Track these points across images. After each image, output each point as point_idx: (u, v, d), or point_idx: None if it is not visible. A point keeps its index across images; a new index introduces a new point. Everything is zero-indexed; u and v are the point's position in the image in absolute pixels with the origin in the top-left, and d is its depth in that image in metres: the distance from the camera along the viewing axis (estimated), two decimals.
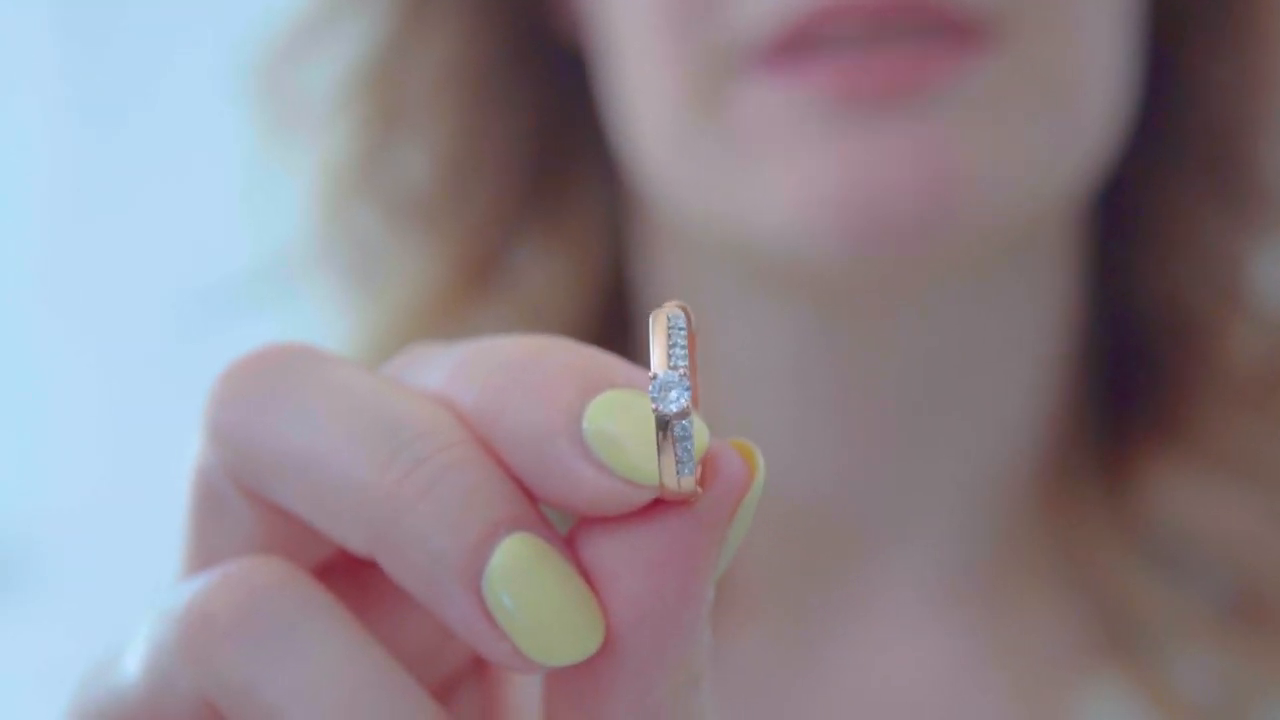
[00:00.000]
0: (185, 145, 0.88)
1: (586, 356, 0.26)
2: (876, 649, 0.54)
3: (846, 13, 0.45)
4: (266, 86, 0.58)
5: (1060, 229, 0.53)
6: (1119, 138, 0.51)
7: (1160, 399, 0.54)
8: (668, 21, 0.48)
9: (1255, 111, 0.54)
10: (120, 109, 0.97)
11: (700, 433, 0.26)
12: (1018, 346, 0.54)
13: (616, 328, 0.56)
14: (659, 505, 0.25)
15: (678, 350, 0.26)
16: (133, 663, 0.28)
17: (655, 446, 0.25)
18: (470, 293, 0.57)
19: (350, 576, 0.29)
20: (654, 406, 0.25)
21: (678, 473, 0.25)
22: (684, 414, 0.25)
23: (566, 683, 0.26)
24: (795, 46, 0.46)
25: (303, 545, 0.28)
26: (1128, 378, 0.55)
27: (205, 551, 0.29)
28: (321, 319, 0.61)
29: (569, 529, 0.26)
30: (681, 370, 0.26)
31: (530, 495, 0.26)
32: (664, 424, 0.25)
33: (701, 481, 0.25)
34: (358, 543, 0.26)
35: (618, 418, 0.25)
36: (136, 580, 0.31)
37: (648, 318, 0.26)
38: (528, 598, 0.25)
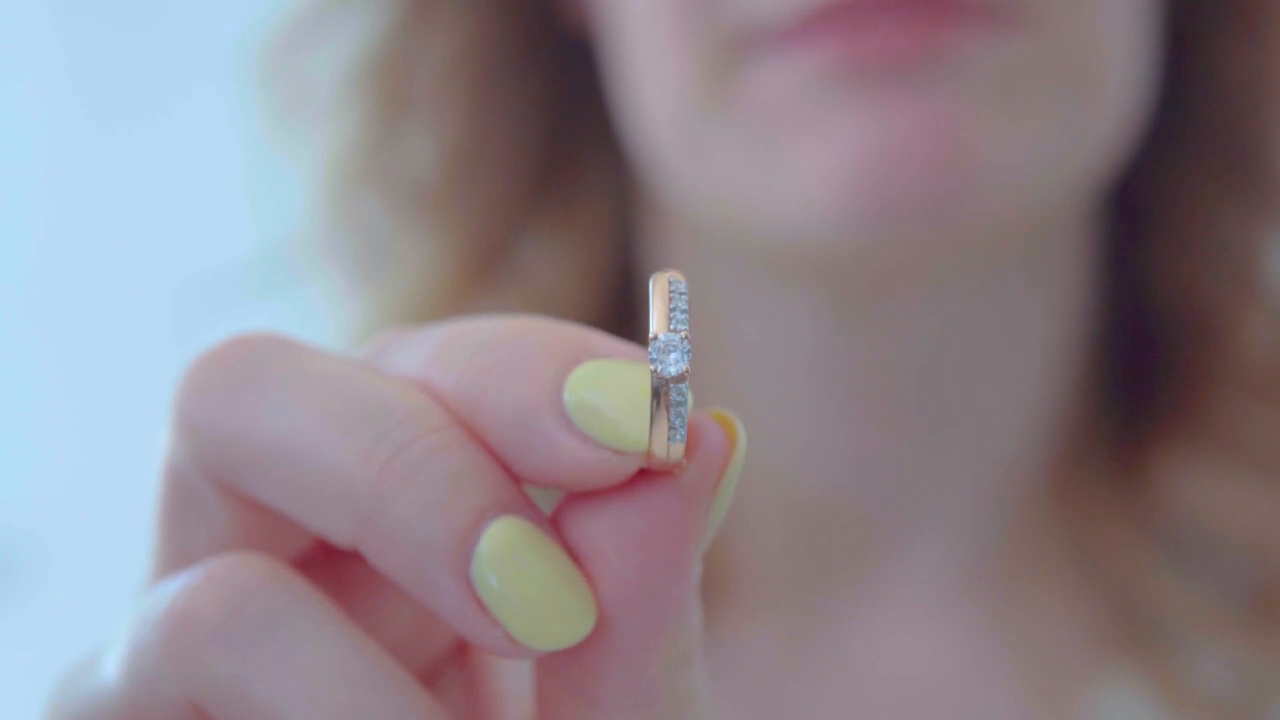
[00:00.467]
0: (188, 133, 0.87)
1: (565, 332, 0.26)
2: (888, 641, 0.53)
3: None
4: (271, 74, 0.57)
5: (1074, 221, 0.53)
6: (1136, 129, 0.50)
7: (1175, 391, 0.54)
8: (675, 8, 0.47)
9: (1271, 103, 0.54)
10: (122, 96, 0.96)
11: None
12: (1031, 338, 0.53)
13: (623, 319, 0.56)
14: (643, 480, 0.25)
15: (679, 314, 0.25)
16: (113, 666, 0.27)
17: (639, 413, 0.25)
18: (476, 284, 0.56)
19: (327, 568, 0.28)
20: (652, 368, 0.25)
21: (669, 439, 0.25)
22: (681, 378, 0.25)
23: (558, 666, 0.26)
24: (809, 21, 0.45)
25: (280, 539, 0.28)
26: (1142, 369, 0.55)
27: (179, 550, 0.28)
28: (325, 310, 0.60)
29: (551, 511, 0.26)
30: (683, 333, 0.25)
31: (515, 477, 0.25)
32: (659, 388, 0.25)
33: (684, 453, 0.25)
34: (341, 534, 0.26)
35: (599, 387, 0.25)
36: (137, 574, 0.30)
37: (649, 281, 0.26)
38: (517, 582, 0.25)
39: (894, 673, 0.53)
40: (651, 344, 0.25)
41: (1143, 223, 0.55)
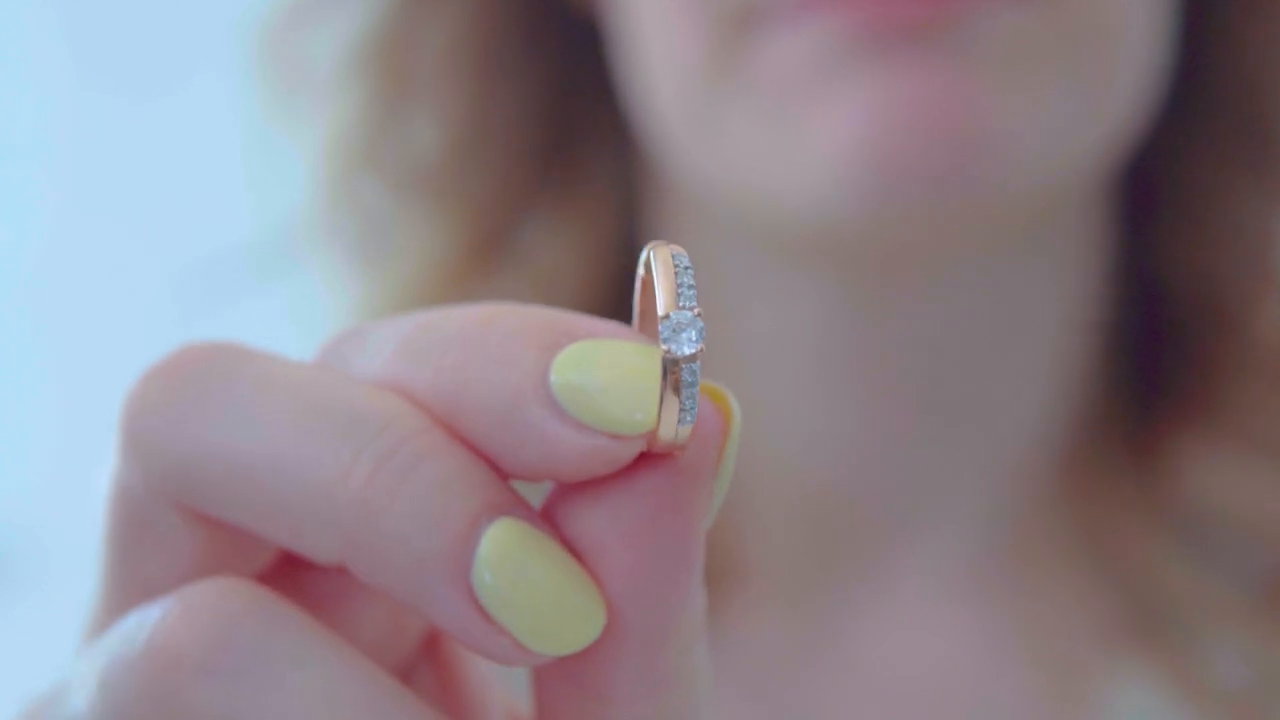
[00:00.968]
0: (186, 114, 0.87)
1: (541, 315, 0.24)
2: (897, 633, 0.53)
3: None
4: (271, 54, 0.57)
5: (1088, 201, 0.52)
6: (1151, 105, 0.49)
7: (1190, 377, 0.53)
8: None
9: None
10: (120, 77, 0.96)
11: None
12: (1043, 325, 0.53)
13: (628, 302, 0.55)
14: (640, 464, 0.24)
15: (686, 289, 0.24)
16: (83, 705, 0.25)
17: (637, 393, 0.23)
18: (479, 268, 0.56)
19: (292, 579, 0.27)
20: (665, 349, 0.23)
21: (679, 421, 0.24)
22: (694, 357, 0.24)
23: (564, 663, 0.25)
24: None
25: (244, 557, 0.26)
26: (1156, 356, 0.54)
27: (137, 581, 0.26)
28: (326, 296, 0.60)
29: (540, 507, 0.25)
30: (695, 310, 0.24)
31: (503, 475, 0.24)
32: (671, 368, 0.23)
33: None
34: (326, 553, 0.24)
35: (588, 369, 0.23)
36: None
37: (645, 255, 0.25)
38: (521, 585, 0.23)
39: (903, 665, 0.52)
40: (663, 323, 0.24)
41: (1157, 206, 0.54)
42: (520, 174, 0.56)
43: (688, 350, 0.24)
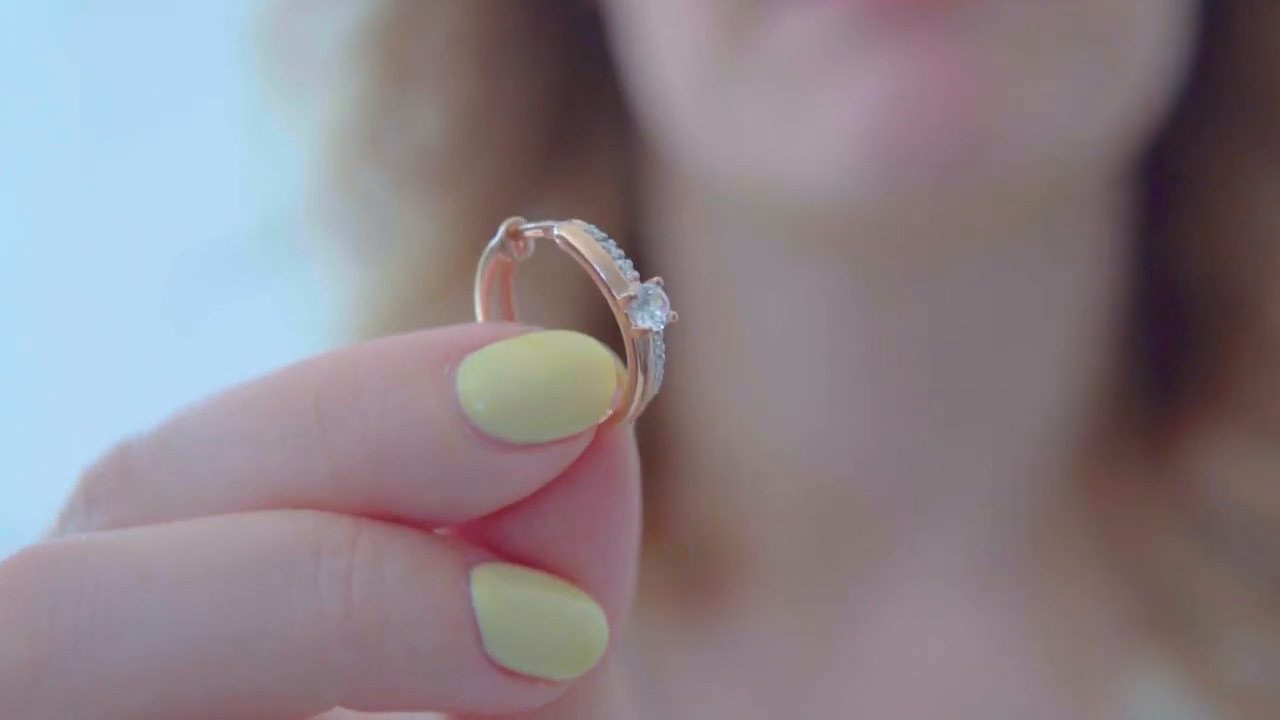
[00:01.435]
0: (185, 103, 0.86)
1: (396, 349, 0.22)
2: (909, 629, 0.52)
3: None
4: (272, 41, 0.56)
5: (1100, 190, 0.52)
6: (1166, 90, 0.49)
7: (1206, 370, 0.53)
8: None
9: None
10: (119, 66, 0.95)
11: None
12: (1056, 315, 0.52)
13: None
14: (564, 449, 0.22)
15: (622, 259, 0.23)
16: None
17: (585, 387, 0.22)
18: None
19: None
20: (636, 324, 0.23)
21: (646, 395, 0.23)
22: (660, 330, 0.23)
23: None
24: None
25: None
26: (1172, 348, 0.54)
27: None
28: (326, 288, 0.59)
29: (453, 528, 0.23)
30: (656, 279, 0.23)
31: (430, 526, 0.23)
32: (641, 345, 0.23)
33: None
34: (318, 705, 0.22)
35: (509, 385, 0.22)
36: None
37: (553, 234, 0.23)
38: (530, 626, 0.22)
39: (914, 664, 0.52)
40: (630, 302, 0.23)
41: (1172, 197, 0.54)
42: (523, 163, 0.55)
43: (663, 322, 0.23)
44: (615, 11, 0.52)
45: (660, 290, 0.23)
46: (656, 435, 0.53)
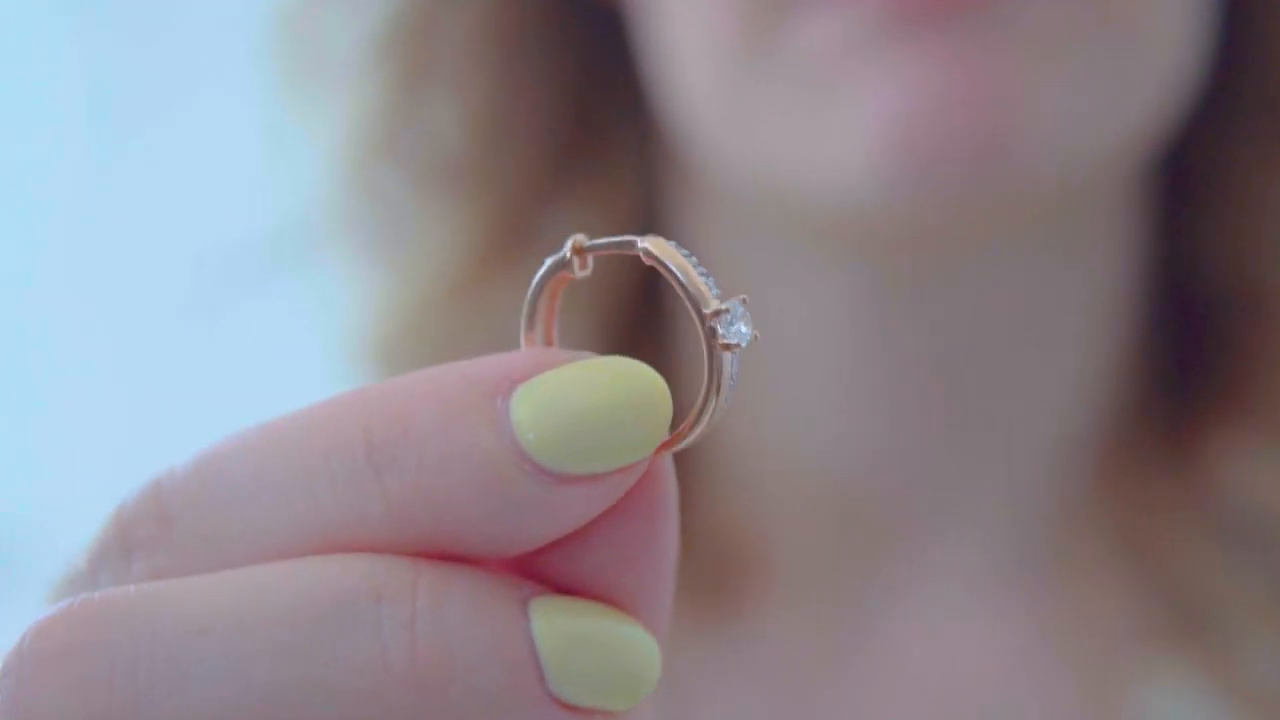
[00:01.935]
0: (203, 104, 0.86)
1: (449, 378, 0.22)
2: (926, 634, 0.52)
3: None
4: (290, 41, 0.56)
5: (1121, 191, 0.52)
6: (1187, 90, 0.49)
7: (1227, 372, 0.53)
8: None
9: None
10: (137, 67, 0.95)
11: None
12: (1075, 317, 0.52)
13: (650, 294, 0.54)
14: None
15: (708, 278, 0.23)
16: None
17: (643, 413, 0.22)
18: (500, 259, 0.55)
19: None
20: (722, 340, 0.23)
21: (714, 415, 0.23)
22: (745, 346, 0.23)
23: None
24: None
25: None
26: (1192, 349, 0.53)
27: None
28: (345, 290, 0.59)
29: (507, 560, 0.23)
30: (742, 297, 0.23)
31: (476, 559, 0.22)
32: (720, 358, 0.23)
33: None
34: None
35: (567, 414, 0.22)
36: None
37: (638, 244, 0.23)
38: (589, 657, 0.22)
39: (932, 666, 0.52)
40: (720, 317, 0.23)
41: (1193, 197, 0.53)
42: (542, 163, 0.55)
43: (747, 340, 0.23)
44: (634, 12, 0.51)
45: (745, 308, 0.23)
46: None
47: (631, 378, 0.22)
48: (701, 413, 0.23)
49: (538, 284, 0.24)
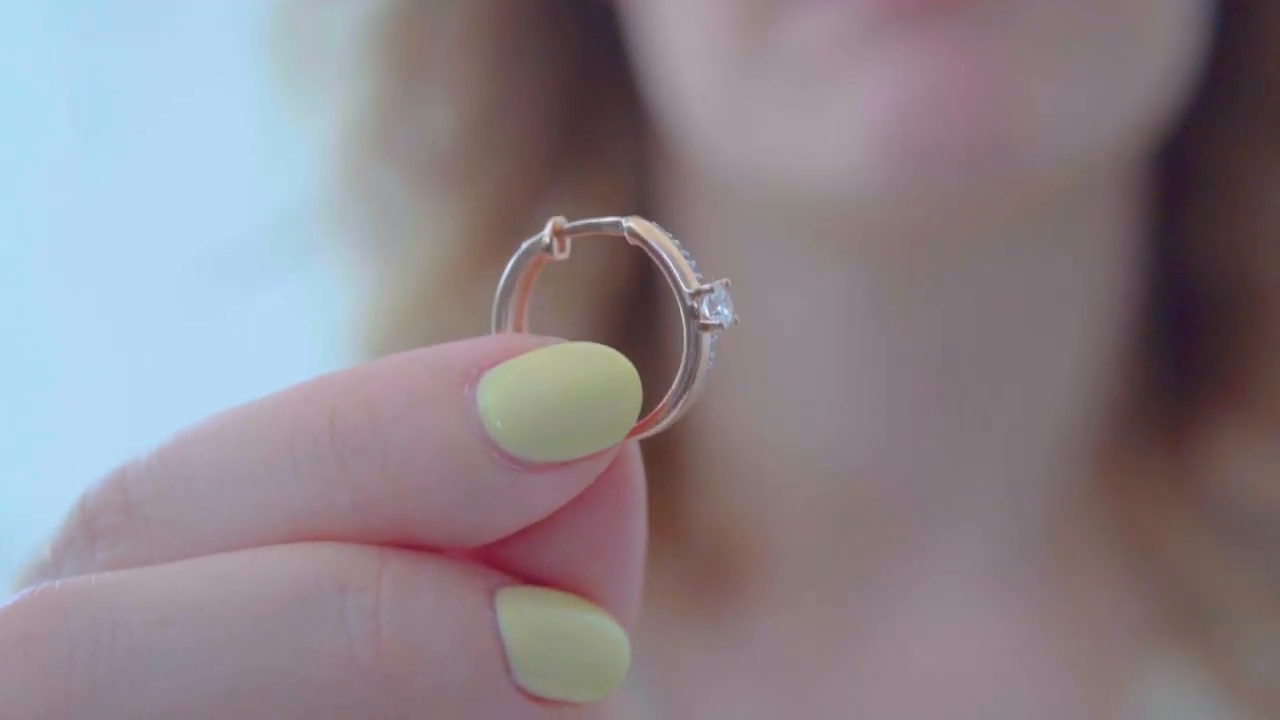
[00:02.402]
0: (196, 101, 0.86)
1: (411, 367, 0.22)
2: (925, 631, 0.52)
3: None
4: (284, 37, 0.56)
5: (1117, 186, 0.51)
6: (1184, 83, 0.49)
7: (1225, 367, 0.52)
8: None
9: None
10: (130, 61, 0.95)
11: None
12: (1073, 313, 0.52)
13: (643, 290, 0.54)
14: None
15: (693, 260, 0.23)
16: None
17: (614, 398, 0.22)
18: (494, 257, 0.55)
19: None
20: (703, 319, 0.23)
21: (688, 400, 0.23)
22: (726, 327, 0.23)
23: None
24: None
25: None
26: (1191, 345, 0.53)
27: None
28: (339, 286, 0.59)
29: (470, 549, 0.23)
30: (725, 280, 0.23)
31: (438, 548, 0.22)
32: (700, 338, 0.23)
33: None
34: None
35: (524, 401, 0.21)
36: None
37: (621, 226, 0.23)
38: (557, 647, 0.22)
39: (932, 663, 0.52)
40: (702, 296, 0.23)
41: (1191, 192, 0.53)
42: (536, 159, 0.55)
43: (729, 322, 0.23)
44: (629, 9, 0.51)
45: (728, 291, 0.23)
46: (671, 434, 0.53)
47: (601, 363, 0.22)
48: (676, 398, 0.23)
49: (513, 266, 0.24)
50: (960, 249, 0.50)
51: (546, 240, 0.23)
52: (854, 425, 0.52)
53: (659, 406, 0.23)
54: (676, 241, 0.23)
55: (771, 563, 0.53)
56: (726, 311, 0.23)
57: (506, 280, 0.24)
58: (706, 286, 0.23)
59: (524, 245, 0.24)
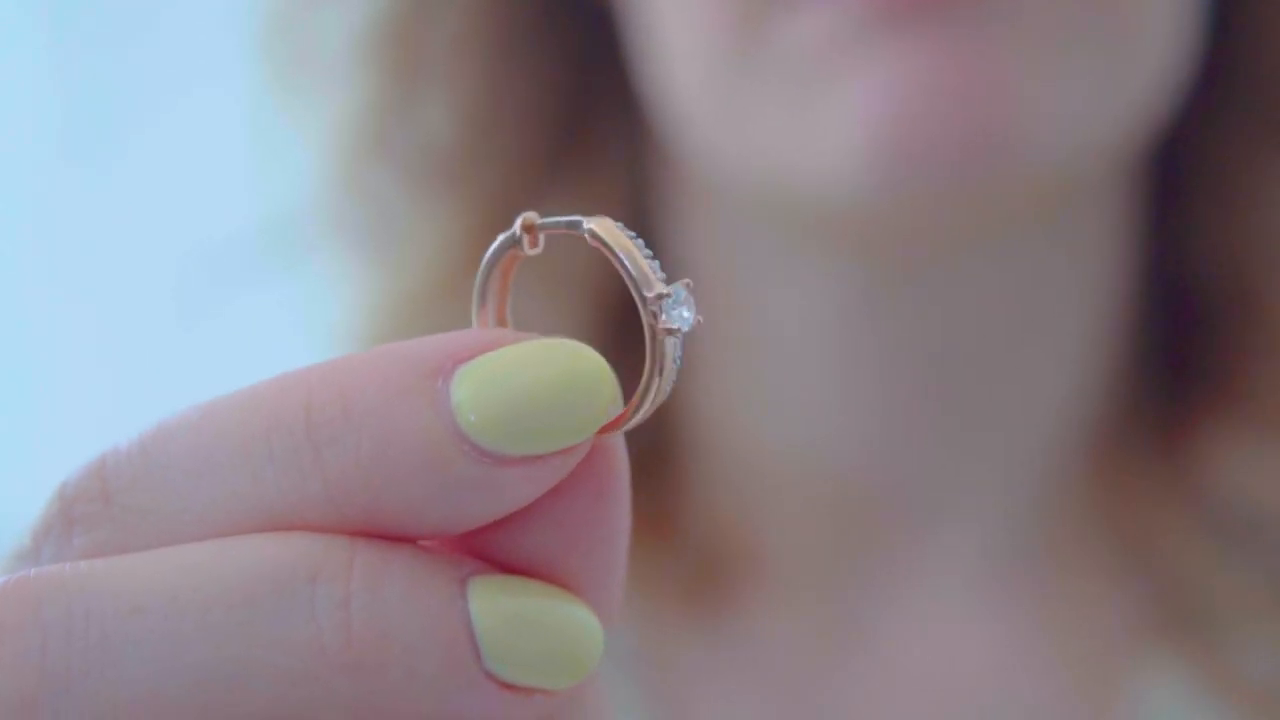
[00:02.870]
0: (191, 102, 0.86)
1: (384, 361, 0.22)
2: (921, 629, 0.52)
3: None
4: (280, 38, 0.56)
5: (1112, 185, 0.51)
6: (1176, 86, 0.49)
7: (1220, 367, 0.53)
8: None
9: None
10: (125, 60, 0.95)
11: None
12: (1068, 313, 0.52)
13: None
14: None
15: (654, 261, 0.23)
16: None
17: (583, 395, 0.22)
18: None
19: None
20: (664, 324, 0.22)
21: (656, 400, 0.23)
22: (687, 330, 0.23)
23: None
24: None
25: None
26: (1185, 345, 0.53)
27: None
28: (334, 288, 0.59)
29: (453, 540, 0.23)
30: (685, 281, 0.23)
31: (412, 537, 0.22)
32: (660, 348, 0.22)
33: None
34: None
35: (507, 394, 0.21)
36: None
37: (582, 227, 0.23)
38: (530, 636, 0.22)
39: (928, 662, 0.52)
40: (663, 300, 0.22)
41: (1187, 191, 0.53)
42: (532, 162, 0.55)
43: (689, 325, 0.23)
44: (624, 10, 0.51)
45: (689, 293, 0.23)
46: (666, 434, 0.53)
47: (574, 359, 0.22)
48: (644, 396, 0.23)
49: (488, 261, 0.24)
50: (956, 248, 0.50)
51: (517, 235, 0.23)
52: (850, 425, 0.52)
53: (627, 406, 0.23)
54: (640, 242, 0.23)
55: (768, 563, 0.53)
56: (687, 314, 0.23)
57: (482, 275, 0.24)
58: (665, 291, 0.23)
59: (498, 240, 0.24)
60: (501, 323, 0.24)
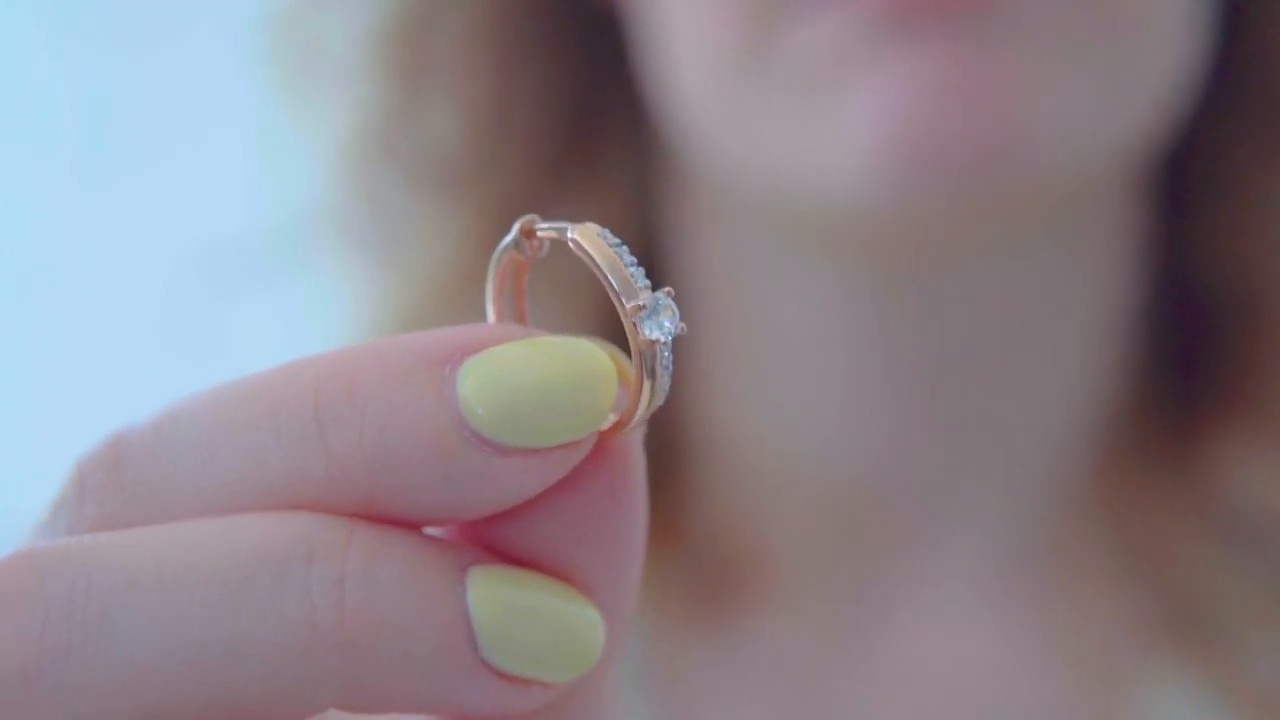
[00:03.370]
0: (198, 104, 0.86)
1: (395, 350, 0.22)
2: (926, 635, 0.52)
3: None
4: (287, 42, 0.56)
5: (1120, 191, 0.51)
6: (1184, 92, 0.49)
7: (1228, 373, 0.52)
8: None
9: None
10: (132, 66, 0.95)
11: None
12: (1075, 318, 0.52)
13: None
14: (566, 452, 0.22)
15: (634, 267, 0.23)
16: None
17: (587, 393, 0.22)
18: None
19: None
20: (646, 335, 0.22)
21: (653, 404, 0.23)
22: (668, 340, 0.23)
23: None
24: None
25: None
26: (1192, 351, 0.53)
27: None
28: (341, 292, 0.59)
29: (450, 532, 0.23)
30: (667, 289, 0.23)
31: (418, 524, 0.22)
32: (648, 353, 0.22)
33: None
34: (313, 707, 0.22)
35: (512, 388, 0.22)
36: None
37: (567, 237, 0.23)
38: (527, 628, 0.22)
39: (933, 669, 0.52)
40: (639, 312, 0.23)
41: (1194, 198, 0.53)
42: (539, 166, 0.55)
43: (671, 333, 0.23)
44: (632, 15, 0.51)
45: (670, 301, 0.23)
46: (672, 438, 0.53)
47: (577, 357, 0.22)
48: (636, 401, 0.23)
49: (493, 266, 0.24)
50: (963, 254, 0.50)
51: (515, 238, 0.24)
52: (856, 430, 0.52)
53: (623, 413, 0.23)
54: (623, 249, 0.23)
55: (774, 567, 0.53)
56: (668, 323, 0.23)
57: (489, 278, 0.24)
58: (642, 302, 0.23)
59: (500, 244, 0.24)
60: (521, 324, 0.24)
